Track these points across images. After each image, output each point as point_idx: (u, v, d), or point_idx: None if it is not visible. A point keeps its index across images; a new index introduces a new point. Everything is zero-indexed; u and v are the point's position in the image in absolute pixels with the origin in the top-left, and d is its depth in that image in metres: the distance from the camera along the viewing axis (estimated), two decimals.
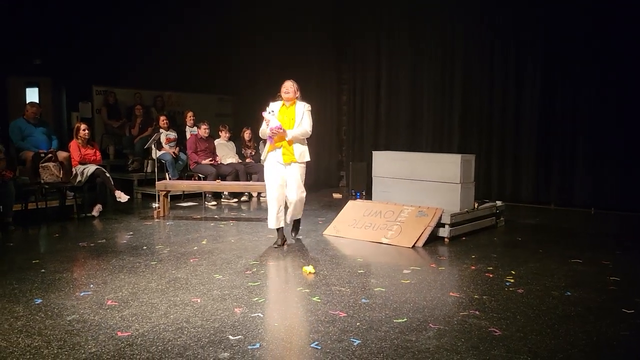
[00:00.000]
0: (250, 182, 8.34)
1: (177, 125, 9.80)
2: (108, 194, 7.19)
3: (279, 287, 4.29)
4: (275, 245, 5.35)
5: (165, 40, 10.14)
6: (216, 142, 8.95)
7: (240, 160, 8.97)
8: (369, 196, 7.92)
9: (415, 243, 5.43)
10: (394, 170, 6.55)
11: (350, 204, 6.44)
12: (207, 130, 8.66)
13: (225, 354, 2.82)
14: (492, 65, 8.67)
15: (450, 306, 3.64)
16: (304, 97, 5.38)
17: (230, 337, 3.04)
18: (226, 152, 8.95)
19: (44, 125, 7.61)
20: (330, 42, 10.71)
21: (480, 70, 8.78)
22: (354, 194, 8.76)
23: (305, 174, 5.35)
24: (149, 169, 9.15)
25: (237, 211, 7.85)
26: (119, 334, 3.08)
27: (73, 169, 7.08)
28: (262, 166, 5.44)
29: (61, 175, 6.94)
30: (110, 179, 7.24)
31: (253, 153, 9.13)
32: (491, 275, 4.41)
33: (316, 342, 2.98)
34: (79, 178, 7.02)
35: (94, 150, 7.36)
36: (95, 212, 7.09)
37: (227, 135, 9.15)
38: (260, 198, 8.71)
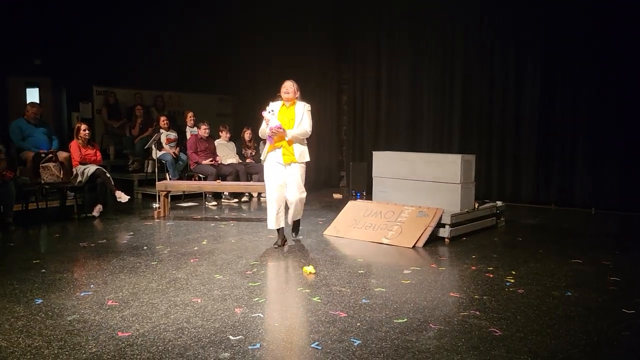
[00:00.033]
0: (251, 183, 8.34)
1: (177, 125, 9.81)
2: (108, 194, 7.19)
3: (279, 287, 4.29)
4: (276, 246, 5.35)
5: (165, 40, 10.14)
6: (216, 142, 8.96)
7: (240, 161, 8.97)
8: (369, 196, 7.92)
9: (416, 243, 5.43)
10: (394, 171, 6.55)
11: (351, 204, 6.45)
12: (207, 131, 8.66)
13: (226, 354, 2.82)
14: (492, 65, 8.67)
15: (450, 306, 3.64)
16: (304, 97, 5.38)
17: (231, 337, 3.04)
18: (226, 153, 8.96)
19: (45, 125, 7.61)
20: (330, 42, 10.72)
21: (480, 70, 8.79)
22: (354, 194, 8.76)
23: (305, 174, 5.35)
24: (149, 169, 9.15)
25: (237, 211, 7.85)
26: (120, 334, 3.08)
27: (73, 169, 7.08)
28: (263, 166, 5.44)
29: (62, 176, 6.94)
30: (111, 179, 7.25)
31: (253, 153, 9.13)
32: (491, 276, 4.41)
33: (316, 343, 2.98)
34: (79, 178, 7.02)
35: (94, 151, 7.36)
36: (95, 213, 7.09)
37: (228, 135, 9.15)
38: (261, 198, 8.71)
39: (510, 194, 8.50)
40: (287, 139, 5.14)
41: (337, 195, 9.32)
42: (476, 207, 6.23)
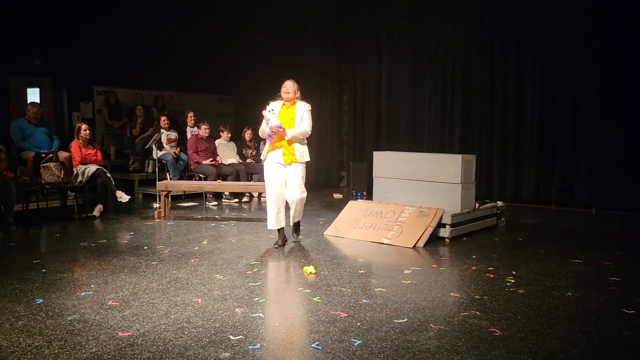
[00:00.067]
0: (251, 183, 8.34)
1: (178, 125, 9.82)
2: (109, 194, 7.19)
3: (279, 287, 4.29)
4: (276, 246, 5.34)
5: (165, 40, 10.15)
6: (217, 142, 8.96)
7: (241, 161, 8.97)
8: (369, 196, 7.92)
9: (416, 243, 5.44)
10: (395, 171, 6.55)
11: (351, 204, 6.45)
12: (207, 130, 8.67)
13: (226, 354, 2.82)
14: (492, 65, 8.67)
15: (451, 306, 3.64)
16: (305, 97, 5.37)
17: (231, 337, 3.04)
18: (227, 153, 8.96)
19: (45, 125, 7.62)
20: (330, 42, 10.72)
21: (481, 70, 8.79)
22: (354, 194, 8.76)
23: (306, 174, 5.35)
24: (149, 169, 9.16)
25: (237, 211, 7.86)
26: (120, 333, 3.08)
27: (74, 169, 7.08)
28: (263, 166, 5.43)
29: (62, 176, 6.94)
30: (111, 179, 7.25)
31: (254, 153, 9.13)
32: (492, 276, 4.41)
33: (317, 342, 2.98)
34: (79, 178, 7.02)
35: (95, 151, 7.36)
36: (96, 212, 7.09)
37: (229, 135, 9.16)
38: (261, 198, 8.71)
39: (510, 194, 8.50)
40: (287, 138, 5.13)
41: (337, 195, 9.32)
42: (477, 207, 6.23)
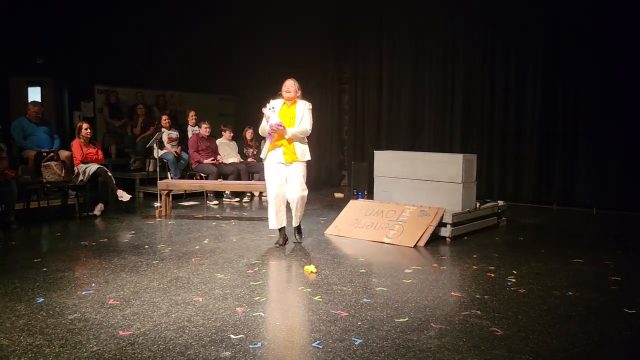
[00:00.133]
0: (252, 182, 8.35)
1: (179, 124, 9.82)
2: (110, 193, 7.20)
3: (280, 286, 4.29)
4: (277, 245, 5.35)
5: (165, 39, 10.15)
6: (218, 141, 8.97)
7: (242, 160, 8.98)
8: (370, 196, 7.93)
9: (417, 243, 5.44)
10: (396, 170, 6.55)
11: (352, 203, 6.45)
12: (207, 130, 8.67)
13: (227, 353, 2.83)
14: (492, 65, 8.68)
15: (451, 306, 3.64)
16: (305, 97, 5.37)
17: (232, 336, 3.05)
18: (228, 152, 8.97)
19: (46, 124, 7.63)
20: (331, 42, 10.73)
21: (481, 70, 8.80)
22: (355, 193, 8.77)
23: (307, 173, 5.34)
24: (150, 168, 9.16)
25: (238, 210, 7.86)
26: (121, 332, 3.08)
27: (75, 168, 7.09)
28: (264, 165, 5.43)
29: (63, 175, 6.95)
30: (112, 178, 7.25)
31: (255, 152, 9.14)
32: (493, 275, 4.41)
33: (317, 342, 2.98)
34: (80, 177, 7.03)
35: (95, 150, 7.37)
36: (97, 211, 7.10)
37: (230, 135, 9.17)
38: (262, 197, 8.72)
39: (511, 193, 8.50)
40: (286, 137, 5.12)
41: (338, 195, 9.33)
42: (477, 206, 6.23)
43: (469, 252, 5.25)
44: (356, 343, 2.97)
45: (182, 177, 8.77)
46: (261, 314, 3.43)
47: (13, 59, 9.08)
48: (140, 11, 9.74)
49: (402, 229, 5.65)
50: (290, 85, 5.17)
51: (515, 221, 6.97)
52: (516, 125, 8.50)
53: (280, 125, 5.04)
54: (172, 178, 8.49)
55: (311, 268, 4.43)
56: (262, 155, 5.41)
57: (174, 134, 9.03)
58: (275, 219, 5.29)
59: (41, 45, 9.48)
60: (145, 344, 2.92)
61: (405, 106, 9.75)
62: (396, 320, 3.33)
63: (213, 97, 11.78)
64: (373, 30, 10.12)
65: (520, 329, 3.22)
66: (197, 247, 5.32)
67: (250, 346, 2.91)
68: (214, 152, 8.68)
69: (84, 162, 7.11)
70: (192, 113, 9.39)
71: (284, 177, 5.22)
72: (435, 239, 5.63)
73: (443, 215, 5.69)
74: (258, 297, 3.75)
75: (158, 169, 7.80)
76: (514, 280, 4.26)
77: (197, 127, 9.00)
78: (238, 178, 8.44)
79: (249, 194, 8.83)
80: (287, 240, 5.46)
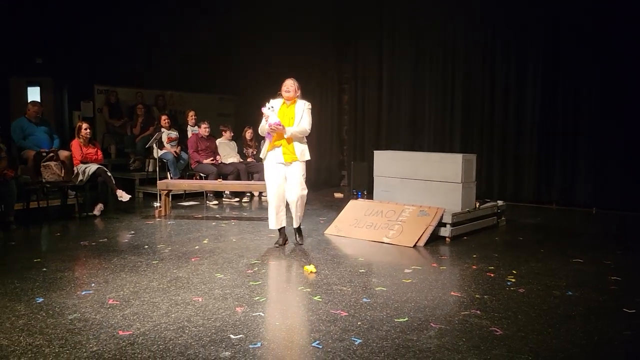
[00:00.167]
0: (252, 182, 8.35)
1: (178, 124, 9.82)
2: (109, 193, 7.20)
3: (280, 286, 4.29)
4: (277, 245, 5.35)
5: (165, 39, 10.15)
6: (218, 141, 8.97)
7: (241, 160, 8.98)
8: (370, 196, 7.93)
9: (417, 242, 5.44)
10: (395, 170, 6.55)
11: (352, 203, 6.45)
12: (207, 130, 8.67)
13: (227, 353, 2.83)
14: (492, 65, 8.68)
15: (451, 306, 3.64)
16: (305, 97, 5.36)
17: (232, 336, 3.05)
18: (228, 152, 8.97)
19: (46, 124, 7.63)
20: (331, 42, 10.73)
21: (481, 70, 8.80)
22: (355, 193, 8.77)
23: (306, 173, 5.33)
24: (150, 168, 9.17)
25: (238, 210, 7.86)
26: (121, 332, 3.08)
27: (74, 168, 7.09)
28: (263, 165, 5.42)
29: (63, 175, 6.95)
30: (112, 178, 7.25)
31: (254, 152, 9.13)
32: (492, 275, 4.41)
33: (317, 341, 2.98)
34: (80, 177, 7.03)
35: (95, 150, 7.37)
36: (96, 211, 7.10)
37: (230, 135, 9.17)
38: (262, 197, 8.72)
39: (511, 193, 8.51)
40: (285, 136, 5.12)
41: (338, 195, 9.32)
42: (477, 206, 6.23)
43: (469, 252, 5.25)
44: (356, 343, 2.97)
45: (181, 177, 8.77)
46: (261, 314, 3.43)
47: (13, 59, 9.08)
48: (140, 11, 9.74)
49: (402, 229, 5.65)
50: (289, 85, 5.17)
51: (515, 221, 6.97)
52: (516, 125, 8.50)
53: (279, 125, 5.03)
54: (171, 178, 8.49)
55: (311, 268, 4.43)
56: (261, 155, 5.40)
57: (174, 134, 9.02)
58: (275, 219, 5.29)
59: (41, 45, 9.48)
60: (145, 344, 2.92)
61: (405, 106, 9.75)
62: (396, 320, 3.33)
63: (213, 97, 11.79)
64: (373, 30, 10.13)
65: (520, 328, 3.22)
66: (197, 247, 5.32)
67: (250, 346, 2.91)
68: (214, 152, 8.68)
69: (83, 162, 7.11)
70: (191, 113, 9.39)
71: (284, 177, 5.21)
72: (434, 239, 5.63)
73: (443, 215, 5.69)
74: (258, 297, 3.75)
75: (158, 169, 7.80)
76: (513, 280, 4.26)
77: (196, 127, 9.00)
78: (238, 178, 8.44)
79: (248, 194, 8.83)
80: (287, 240, 5.46)
